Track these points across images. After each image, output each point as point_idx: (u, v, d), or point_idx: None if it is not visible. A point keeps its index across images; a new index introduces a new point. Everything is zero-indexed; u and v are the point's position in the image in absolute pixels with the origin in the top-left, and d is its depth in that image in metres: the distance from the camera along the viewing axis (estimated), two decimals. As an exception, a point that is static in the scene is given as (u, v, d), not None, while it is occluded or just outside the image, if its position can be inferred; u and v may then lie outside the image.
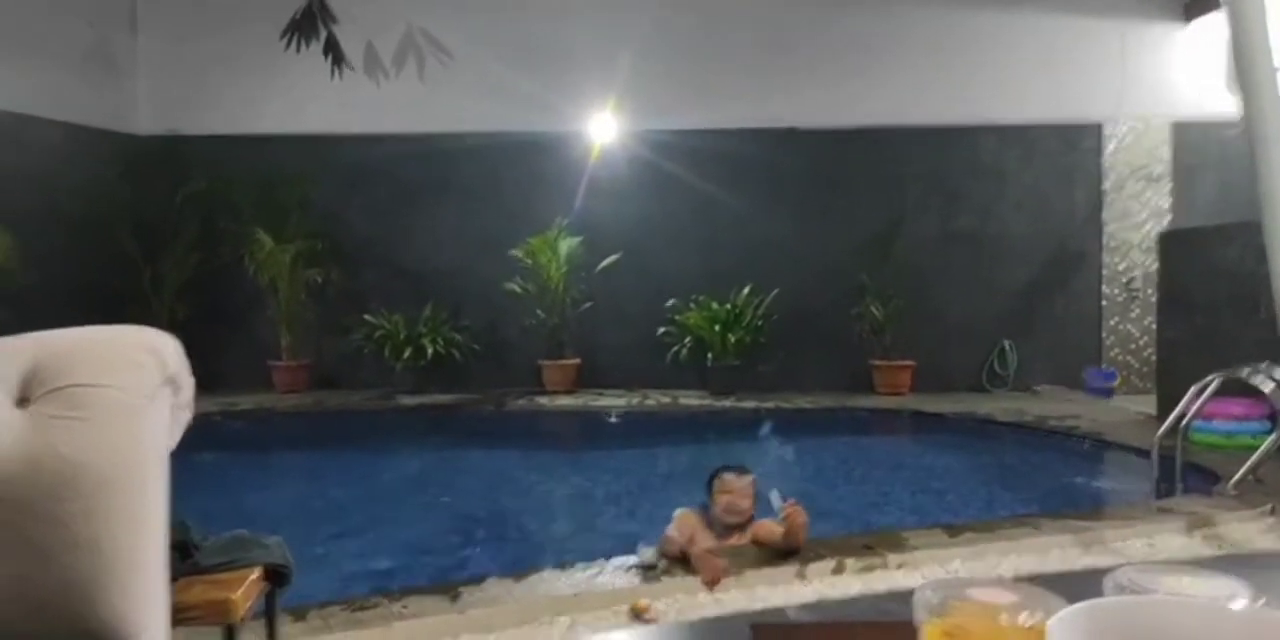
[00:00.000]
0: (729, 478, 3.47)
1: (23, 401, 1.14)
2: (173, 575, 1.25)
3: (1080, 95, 7.64)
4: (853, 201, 7.77)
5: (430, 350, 7.46)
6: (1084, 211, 7.75)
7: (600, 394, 7.50)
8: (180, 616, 1.20)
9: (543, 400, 7.34)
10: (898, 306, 7.37)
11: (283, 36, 7.47)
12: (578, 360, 7.73)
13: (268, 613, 1.56)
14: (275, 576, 1.58)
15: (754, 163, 7.72)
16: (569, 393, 7.55)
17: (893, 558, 3.28)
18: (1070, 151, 7.76)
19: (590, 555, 3.97)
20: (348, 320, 7.69)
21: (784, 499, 3.13)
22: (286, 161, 7.68)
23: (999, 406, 6.84)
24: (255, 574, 1.50)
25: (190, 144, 7.90)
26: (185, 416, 1.26)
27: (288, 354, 7.61)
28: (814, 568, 3.17)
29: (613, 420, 7.02)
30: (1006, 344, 7.69)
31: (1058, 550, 3.42)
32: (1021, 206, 7.76)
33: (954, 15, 7.72)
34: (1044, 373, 7.69)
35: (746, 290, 7.53)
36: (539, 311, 7.67)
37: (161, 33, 8.12)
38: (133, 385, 1.16)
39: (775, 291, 7.51)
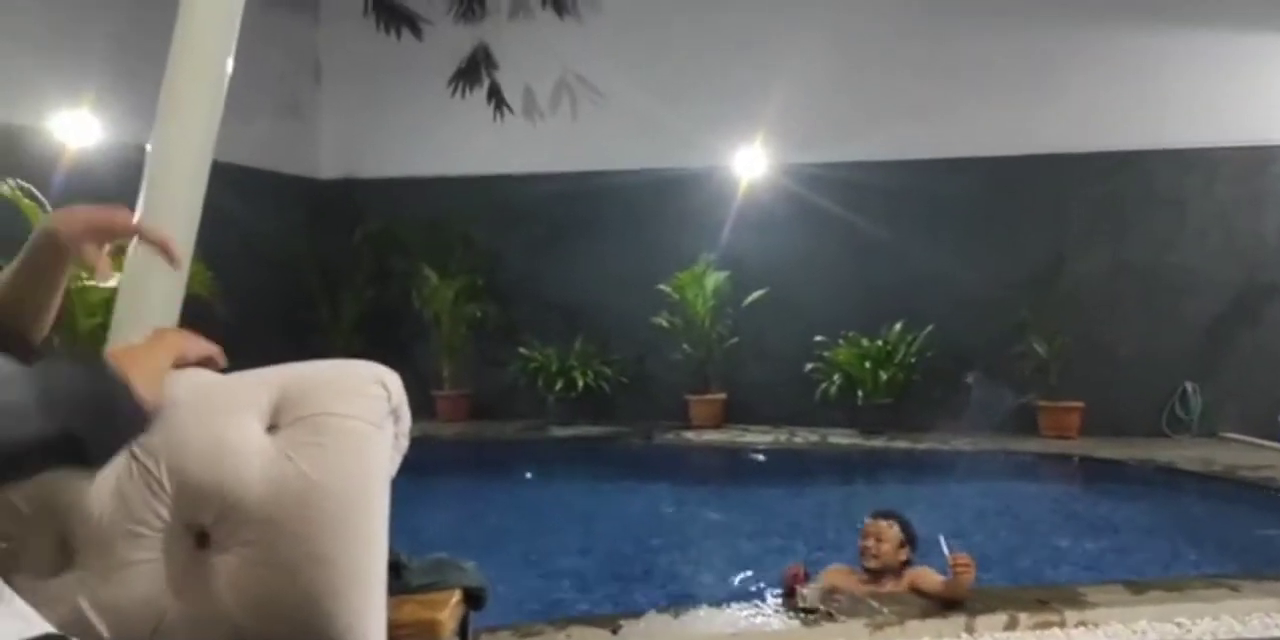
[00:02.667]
0: (868, 521, 3.50)
1: (272, 428, 1.26)
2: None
3: (1269, 115, 7.06)
4: (1013, 233, 7.42)
5: (581, 382, 7.64)
6: (1276, 240, 7.12)
7: (746, 430, 7.44)
8: (392, 633, 1.28)
9: (689, 435, 7.35)
10: (1064, 344, 6.95)
11: (450, 84, 7.98)
12: (724, 395, 7.71)
13: (461, 635, 1.63)
14: (472, 600, 1.65)
15: (907, 194, 7.53)
16: (715, 428, 7.52)
17: (1070, 615, 3.09)
18: (1258, 175, 7.15)
19: (740, 594, 3.94)
20: (503, 353, 7.99)
21: (951, 548, 3.00)
22: (450, 201, 8.12)
23: (1182, 454, 6.30)
24: (457, 596, 1.57)
25: (365, 187, 8.51)
26: (403, 444, 1.35)
27: (449, 384, 7.97)
28: (983, 621, 3.02)
29: (760, 457, 6.94)
30: (1189, 386, 7.10)
31: (1260, 615, 3.12)
32: (1204, 235, 7.19)
33: (1124, 35, 7.32)
34: (1232, 417, 7.04)
35: (899, 326, 7.31)
36: (685, 346, 7.72)
37: (341, 83, 8.82)
38: (367, 415, 1.27)
39: (929, 327, 7.25)
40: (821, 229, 7.70)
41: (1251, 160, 7.13)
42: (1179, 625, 3.03)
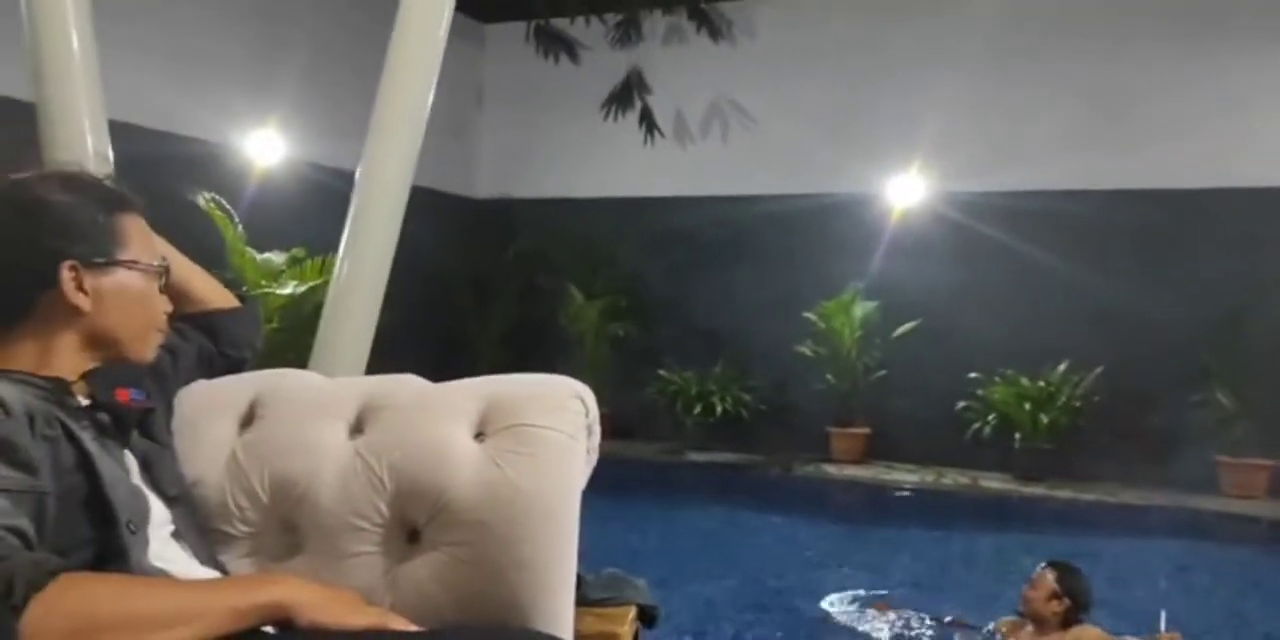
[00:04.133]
0: (1036, 570, 3.42)
1: (479, 436, 1.30)
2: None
3: None
4: (1198, 271, 6.88)
5: (719, 407, 7.57)
6: None
7: (891, 467, 7.16)
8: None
9: (830, 469, 7.14)
10: (1253, 395, 6.37)
11: (603, 107, 8.16)
12: (868, 430, 7.46)
13: (632, 651, 1.61)
14: (645, 617, 1.64)
15: (1077, 226, 7.12)
16: (857, 463, 7.28)
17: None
18: None
19: (879, 637, 3.78)
20: (643, 373, 8.02)
21: (1166, 626, 2.85)
22: (599, 223, 8.27)
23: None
24: (634, 612, 1.57)
25: (519, 206, 8.78)
26: (594, 458, 1.37)
27: (589, 403, 8.05)
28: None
29: (905, 496, 6.66)
30: (1402, 448, 6.37)
31: None
32: None
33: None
34: None
35: (1063, 366, 6.88)
36: (829, 376, 7.53)
37: (501, 105, 9.18)
38: (567, 428, 1.31)
39: (1098, 369, 6.79)
40: (980, 260, 7.38)
41: None
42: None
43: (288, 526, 1.30)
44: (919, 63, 7.63)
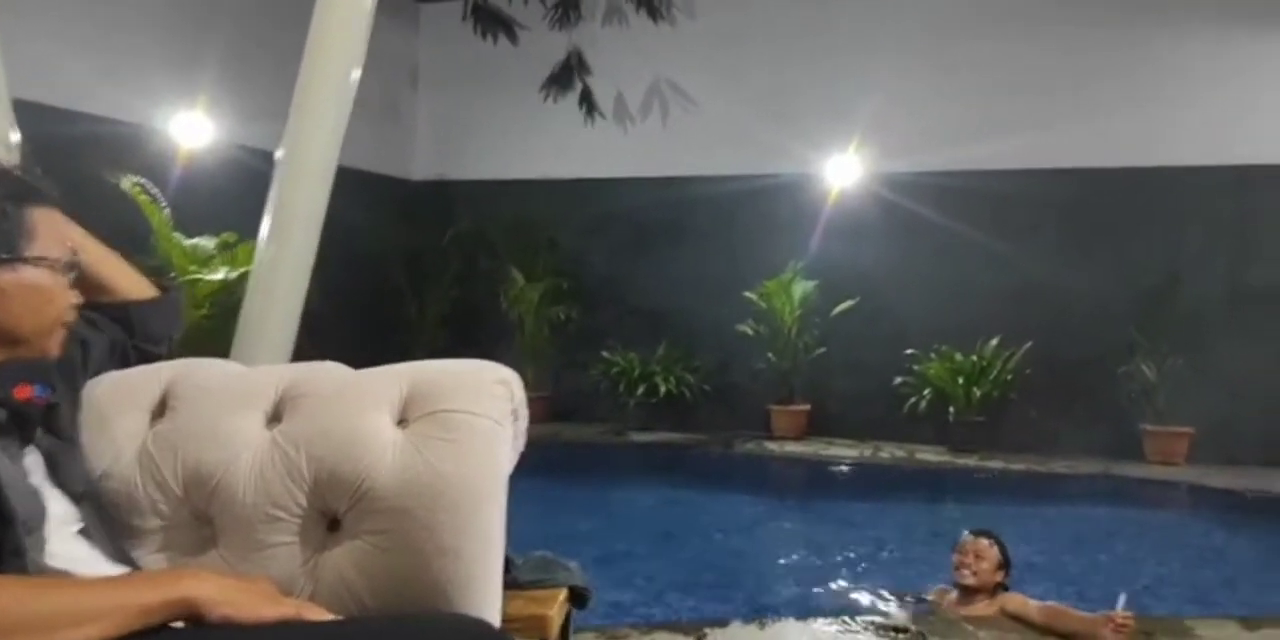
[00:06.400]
0: (965, 538, 3.45)
1: (402, 422, 1.29)
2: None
3: None
4: (1123, 248, 7.12)
5: (663, 388, 7.61)
6: None
7: (830, 443, 7.30)
8: (503, 627, 1.28)
9: (771, 445, 7.25)
10: (1175, 366, 6.63)
11: (542, 88, 8.08)
12: (808, 407, 7.59)
13: (562, 634, 1.63)
14: (576, 599, 1.66)
15: (1006, 205, 7.30)
16: (798, 439, 7.41)
17: (1177, 647, 2.94)
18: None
19: (822, 609, 3.87)
20: (586, 356, 8.02)
21: (1128, 605, 2.90)
22: (539, 204, 8.21)
23: (1300, 485, 5.95)
24: (564, 595, 1.58)
25: (457, 188, 8.66)
26: (520, 444, 1.37)
27: (530, 386, 8.02)
28: (1089, 652, 2.88)
29: (844, 471, 6.80)
30: (1310, 414, 6.70)
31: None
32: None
33: (1258, 44, 6.94)
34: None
35: (995, 341, 7.07)
36: (770, 355, 7.63)
37: (437, 86, 9.02)
38: (492, 412, 1.30)
39: (1028, 344, 6.99)
40: (916, 239, 7.53)
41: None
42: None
43: (202, 519, 1.28)
44: (856, 44, 7.71)
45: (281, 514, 1.26)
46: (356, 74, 2.20)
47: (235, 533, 1.26)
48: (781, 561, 4.84)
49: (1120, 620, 2.85)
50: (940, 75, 7.56)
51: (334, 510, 1.27)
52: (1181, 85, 7.08)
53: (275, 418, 1.34)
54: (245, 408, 1.34)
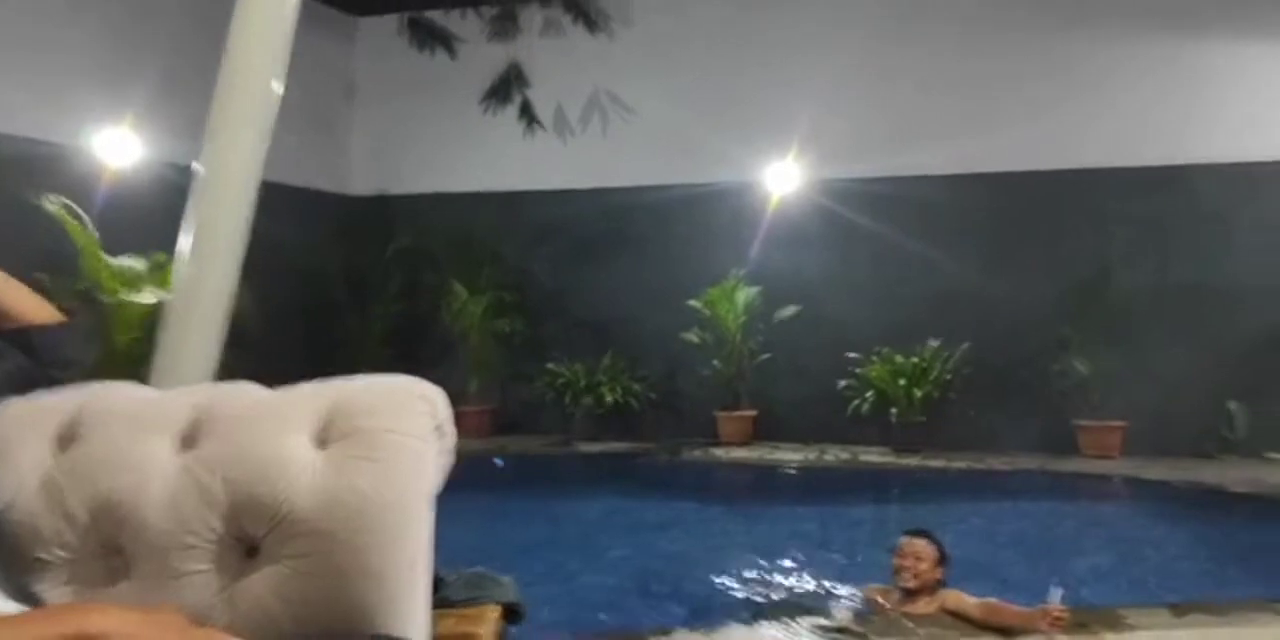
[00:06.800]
0: (902, 540, 3.51)
1: (322, 442, 1.27)
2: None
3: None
4: (1054, 249, 7.34)
5: (609, 398, 7.62)
6: (1327, 257, 6.97)
7: (777, 447, 7.37)
8: (434, 647, 1.27)
9: (718, 452, 7.30)
10: (1106, 362, 6.84)
11: (482, 101, 8.06)
12: (754, 412, 7.66)
13: (497, 650, 1.61)
14: (511, 614, 1.64)
15: (944, 210, 7.48)
16: (744, 445, 7.47)
17: (1110, 637, 3.03)
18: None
19: (770, 613, 3.89)
20: (531, 368, 7.99)
21: (1062, 599, 2.96)
22: (481, 218, 8.17)
23: (1229, 475, 6.16)
24: (497, 611, 1.56)
25: (397, 203, 8.60)
26: (447, 461, 1.35)
27: (476, 399, 7.99)
28: (1024, 644, 2.96)
29: (790, 474, 6.87)
30: (1233, 406, 6.94)
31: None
32: (1250, 252, 7.04)
33: (1167, 49, 7.24)
34: (1279, 438, 6.88)
35: (934, 343, 7.22)
36: (715, 362, 7.69)
37: (374, 100, 8.95)
38: (415, 430, 1.28)
39: (966, 345, 7.16)
40: (855, 245, 7.66)
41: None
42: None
43: (112, 549, 1.24)
44: (793, 54, 7.85)
45: (196, 541, 1.22)
46: (278, 84, 2.15)
47: (147, 562, 1.22)
48: (728, 567, 4.86)
49: (1056, 613, 2.92)
50: (874, 81, 7.73)
51: (252, 535, 1.24)
52: (1099, 89, 7.35)
53: (188, 442, 1.30)
54: (157, 432, 1.30)
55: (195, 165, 2.20)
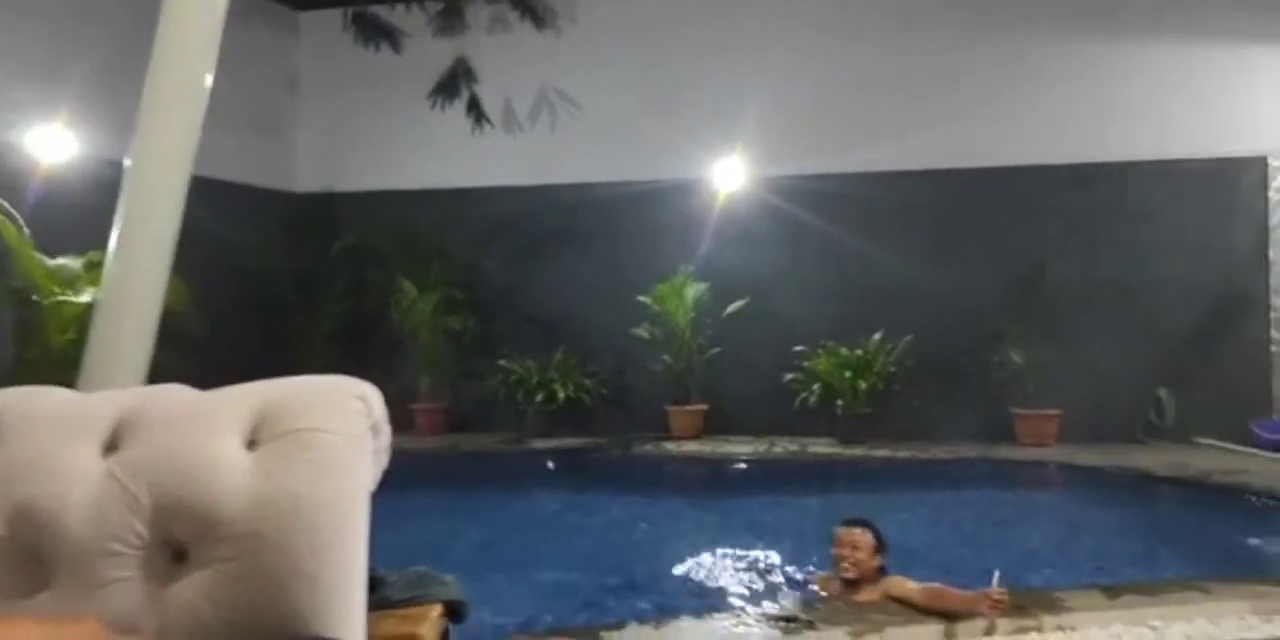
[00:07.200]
0: (839, 530, 3.53)
1: (252, 444, 1.25)
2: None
3: (1241, 127, 7.20)
4: (990, 244, 7.52)
5: (561, 394, 7.63)
6: (1248, 251, 7.25)
7: (727, 440, 7.45)
8: (372, 649, 1.27)
9: (669, 446, 7.36)
10: (1041, 353, 7.03)
11: (429, 97, 7.98)
12: (704, 406, 7.73)
13: (441, 649, 1.62)
14: (453, 613, 1.64)
15: (885, 206, 7.62)
16: (695, 438, 7.54)
17: (1048, 620, 3.12)
18: (1230, 187, 7.29)
19: (722, 604, 3.94)
20: (482, 365, 7.96)
21: (1001, 582, 3.02)
22: (429, 214, 8.11)
23: (1157, 460, 6.39)
24: (438, 610, 1.56)
25: (343, 200, 8.48)
26: (383, 460, 1.35)
27: (427, 397, 7.94)
28: (963, 627, 3.05)
29: (740, 467, 6.95)
30: (1163, 392, 7.20)
31: (1233, 617, 3.16)
32: (1176, 246, 7.30)
33: (1095, 48, 7.46)
34: (1206, 424, 7.13)
35: (878, 336, 7.36)
36: (666, 357, 7.74)
37: (319, 96, 8.81)
38: (348, 430, 1.27)
39: (908, 337, 7.31)
40: (800, 240, 7.76)
41: (1224, 172, 7.27)
42: (1153, 628, 3.07)
43: (32, 558, 1.21)
44: (738, 51, 7.91)
45: (121, 547, 1.20)
46: (208, 76, 2.11)
47: (70, 571, 1.20)
48: (681, 559, 4.90)
49: (996, 596, 2.98)
50: (817, 79, 7.83)
51: (180, 540, 1.22)
52: (1031, 87, 7.55)
53: (112, 446, 1.28)
54: (79, 437, 1.28)
55: (126, 161, 2.16)
